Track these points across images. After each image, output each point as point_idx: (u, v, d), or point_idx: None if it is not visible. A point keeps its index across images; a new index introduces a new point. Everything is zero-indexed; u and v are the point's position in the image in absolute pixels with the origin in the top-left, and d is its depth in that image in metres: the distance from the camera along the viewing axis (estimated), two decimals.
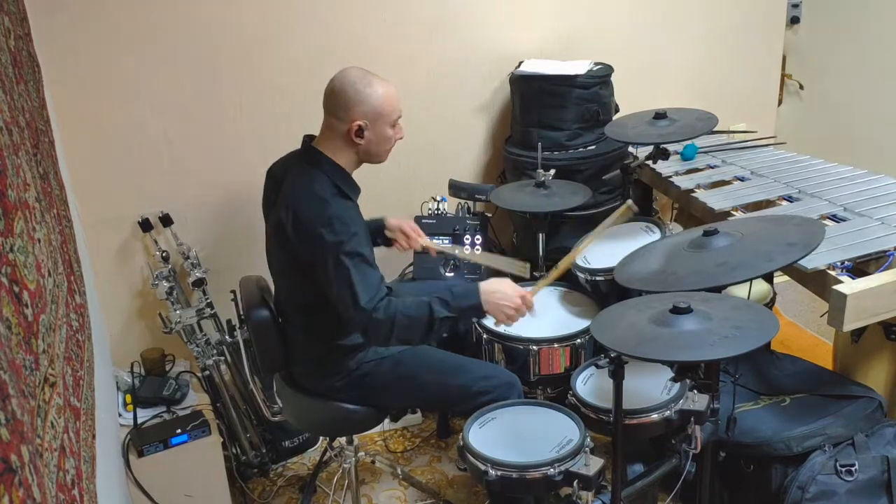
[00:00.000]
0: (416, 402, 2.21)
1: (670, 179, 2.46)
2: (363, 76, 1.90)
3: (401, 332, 1.83)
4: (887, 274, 1.72)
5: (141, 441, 2.16)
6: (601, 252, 2.26)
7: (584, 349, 2.07)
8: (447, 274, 2.51)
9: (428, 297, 1.85)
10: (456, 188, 2.74)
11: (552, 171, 2.46)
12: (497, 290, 1.88)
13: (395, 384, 2.00)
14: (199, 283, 2.47)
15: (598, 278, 2.15)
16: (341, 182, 1.92)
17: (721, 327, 1.46)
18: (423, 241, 2.19)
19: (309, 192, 1.87)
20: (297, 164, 1.96)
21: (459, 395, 1.97)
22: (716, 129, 2.38)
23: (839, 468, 1.87)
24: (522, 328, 2.10)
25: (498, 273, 2.14)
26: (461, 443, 1.76)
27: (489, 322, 2.11)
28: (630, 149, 2.69)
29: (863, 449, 1.89)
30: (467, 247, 2.58)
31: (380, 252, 2.34)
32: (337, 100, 1.89)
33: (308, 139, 1.97)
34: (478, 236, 2.61)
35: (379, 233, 2.20)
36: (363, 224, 1.95)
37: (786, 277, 1.97)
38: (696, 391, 1.78)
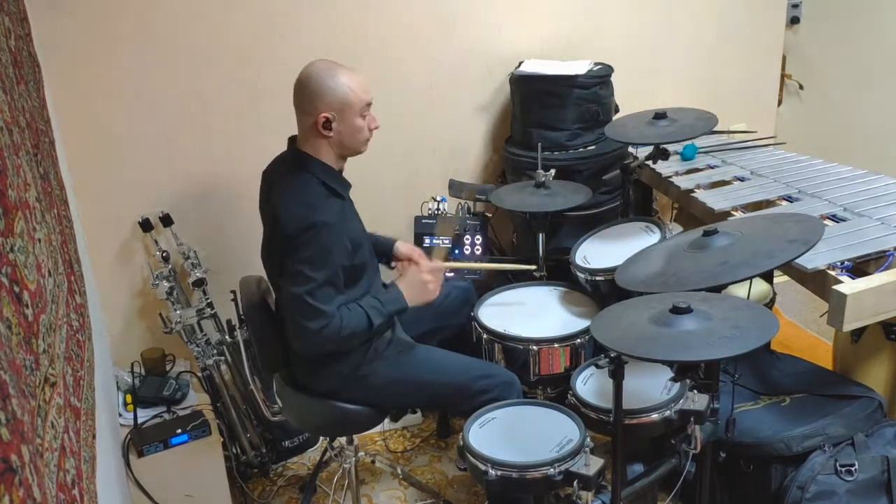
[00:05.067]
0: (416, 401, 2.21)
1: (670, 179, 2.46)
2: (326, 67, 1.88)
3: (342, 344, 1.90)
4: (887, 274, 1.72)
5: (141, 441, 2.16)
6: (601, 252, 2.26)
7: (584, 349, 2.07)
8: (447, 274, 2.51)
9: (363, 306, 1.90)
10: (456, 188, 2.75)
11: (552, 172, 2.46)
12: (409, 282, 2.00)
13: (394, 384, 2.00)
14: (200, 283, 2.48)
15: (598, 278, 2.15)
16: (330, 180, 1.91)
17: (721, 327, 1.46)
18: (432, 263, 2.16)
19: (296, 198, 1.87)
20: (285, 168, 1.96)
21: (459, 394, 1.97)
22: (716, 129, 2.38)
23: (839, 468, 1.87)
24: (523, 328, 2.11)
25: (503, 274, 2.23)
26: (461, 443, 1.76)
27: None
28: (630, 149, 2.69)
29: (863, 449, 1.89)
30: (469, 255, 2.60)
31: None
32: (302, 95, 1.89)
33: (293, 140, 1.97)
34: (478, 236, 2.61)
35: (385, 254, 2.22)
36: (354, 223, 1.96)
37: (786, 277, 1.97)
38: (696, 391, 1.78)
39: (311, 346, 1.91)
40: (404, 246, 2.22)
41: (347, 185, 1.98)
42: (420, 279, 1.99)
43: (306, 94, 1.88)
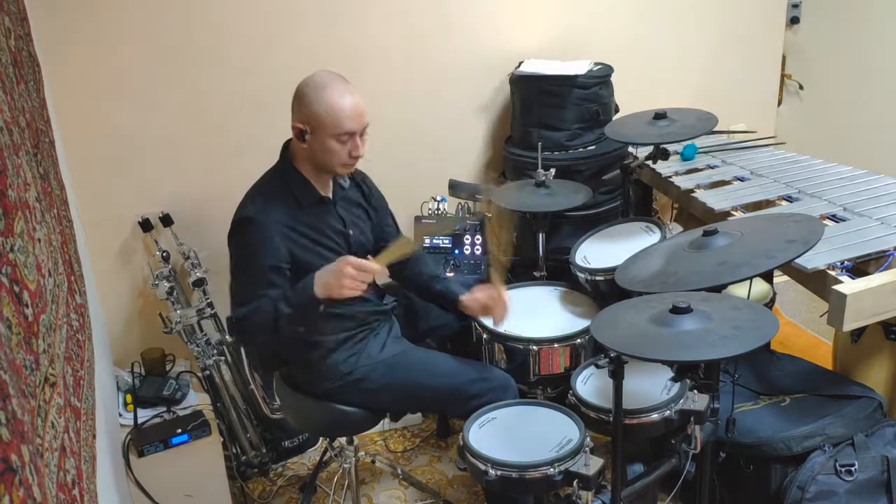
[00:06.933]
0: (412, 404, 2.19)
1: (670, 179, 2.46)
2: (321, 81, 1.84)
3: (256, 332, 1.84)
4: (887, 274, 1.72)
5: (141, 441, 2.16)
6: (601, 252, 2.26)
7: (584, 349, 2.07)
8: (448, 274, 2.52)
9: (275, 295, 1.81)
10: (456, 188, 2.75)
11: (552, 171, 2.46)
12: (325, 269, 1.79)
13: (389, 387, 1.99)
14: (200, 283, 2.48)
15: (598, 278, 2.15)
16: (293, 184, 1.91)
17: (721, 327, 1.46)
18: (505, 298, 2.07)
19: (248, 193, 1.91)
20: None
21: (454, 397, 1.96)
22: (716, 129, 2.38)
23: (839, 468, 1.87)
24: (523, 328, 2.11)
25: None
26: (461, 443, 1.76)
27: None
28: (630, 149, 2.69)
29: (862, 449, 1.89)
30: (469, 255, 2.61)
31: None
32: (294, 100, 1.89)
33: (288, 143, 1.99)
34: (478, 236, 2.61)
35: (449, 302, 2.12)
36: (317, 226, 1.92)
37: (786, 277, 1.97)
38: (696, 391, 1.78)
39: (238, 336, 1.94)
40: (471, 300, 2.06)
41: (314, 198, 1.94)
42: (337, 269, 1.75)
43: (294, 99, 1.89)
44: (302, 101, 1.85)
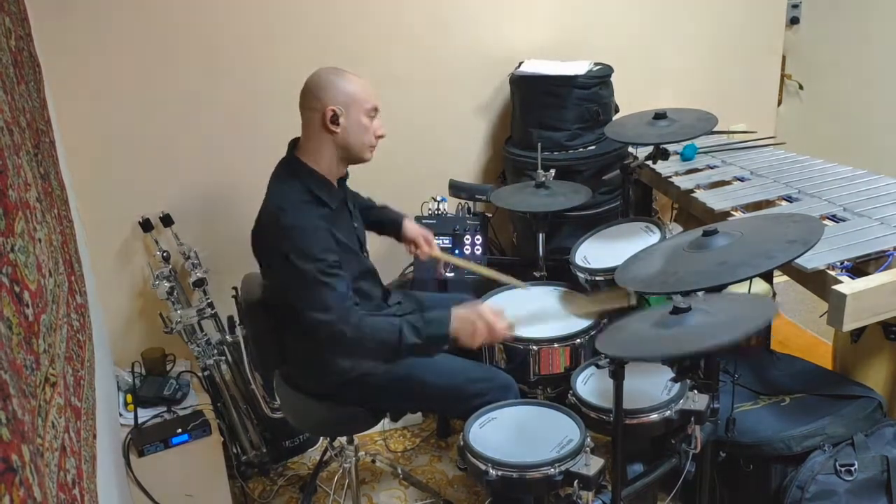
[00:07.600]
0: (412, 403, 2.18)
1: (670, 179, 2.46)
2: (335, 69, 1.92)
3: (367, 351, 1.83)
4: (887, 274, 1.72)
5: (141, 441, 2.16)
6: (601, 252, 2.26)
7: (584, 349, 2.07)
8: (447, 274, 2.52)
9: (400, 320, 1.84)
10: (456, 188, 2.75)
11: (552, 171, 2.46)
12: (467, 316, 1.84)
13: (389, 386, 1.98)
14: (200, 283, 2.48)
15: (598, 278, 2.15)
16: (317, 188, 1.90)
17: (718, 318, 1.46)
18: (435, 251, 2.15)
19: (273, 202, 1.89)
20: (277, 172, 1.97)
21: (454, 397, 1.96)
22: (716, 129, 2.38)
23: (839, 468, 1.87)
24: (523, 328, 2.10)
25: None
26: (461, 443, 1.76)
27: None
28: (630, 149, 2.69)
29: (862, 449, 1.89)
30: (469, 255, 2.61)
31: (380, 250, 2.34)
32: (309, 92, 1.90)
33: (293, 143, 1.98)
34: (478, 236, 2.61)
35: (393, 229, 2.23)
36: (343, 232, 1.93)
37: (786, 277, 1.97)
38: (696, 391, 1.78)
39: (343, 347, 1.82)
40: (412, 226, 2.20)
41: (337, 196, 1.95)
42: (486, 323, 1.82)
43: (313, 90, 1.89)
44: (327, 88, 1.87)
